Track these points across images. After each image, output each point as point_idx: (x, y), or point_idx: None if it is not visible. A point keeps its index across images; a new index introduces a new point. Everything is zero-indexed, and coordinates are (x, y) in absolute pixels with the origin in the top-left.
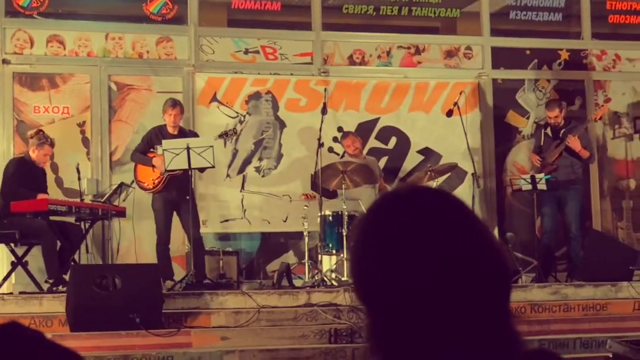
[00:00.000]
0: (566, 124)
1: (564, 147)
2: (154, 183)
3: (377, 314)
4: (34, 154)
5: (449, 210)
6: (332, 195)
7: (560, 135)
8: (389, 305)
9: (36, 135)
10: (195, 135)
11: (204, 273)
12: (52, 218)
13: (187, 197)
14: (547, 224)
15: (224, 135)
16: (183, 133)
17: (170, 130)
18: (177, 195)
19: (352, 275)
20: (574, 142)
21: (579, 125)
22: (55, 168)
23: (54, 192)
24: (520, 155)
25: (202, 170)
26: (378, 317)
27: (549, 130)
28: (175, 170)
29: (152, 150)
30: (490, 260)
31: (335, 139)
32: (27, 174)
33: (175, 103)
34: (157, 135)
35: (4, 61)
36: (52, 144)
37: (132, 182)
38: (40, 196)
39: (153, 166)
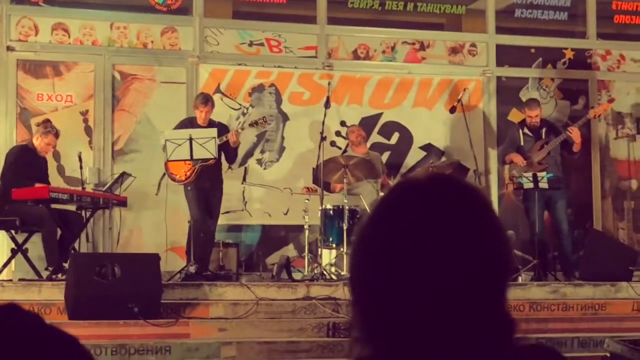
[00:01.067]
0: (543, 123)
1: (559, 141)
2: (185, 174)
3: (372, 304)
4: (37, 142)
5: (462, 203)
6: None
7: (543, 133)
8: (387, 296)
9: (43, 123)
10: (225, 128)
11: (207, 265)
12: (53, 206)
13: (218, 189)
14: (538, 223)
15: (255, 123)
16: (212, 125)
17: (200, 123)
18: (209, 185)
19: (354, 262)
20: (576, 133)
21: (558, 125)
22: (57, 156)
23: (55, 180)
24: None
25: (230, 162)
26: (373, 306)
27: (527, 130)
28: (208, 160)
29: None
30: (495, 258)
31: (337, 133)
32: (28, 162)
33: (207, 100)
34: (187, 126)
35: (9, 48)
36: (57, 135)
37: (164, 174)
38: (38, 185)
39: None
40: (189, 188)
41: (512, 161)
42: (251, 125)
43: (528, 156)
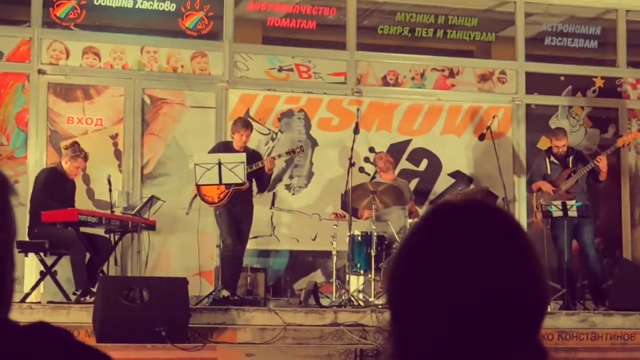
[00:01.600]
0: (569, 151)
1: (586, 170)
2: (219, 197)
3: (404, 322)
4: (66, 165)
5: (499, 231)
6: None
7: (570, 162)
8: (419, 318)
9: (71, 146)
10: (259, 155)
11: (236, 289)
12: (81, 229)
13: (248, 213)
14: (567, 251)
15: (292, 152)
16: (246, 151)
17: (236, 148)
18: (239, 210)
19: (390, 279)
20: (603, 162)
21: (585, 153)
22: (86, 179)
23: (84, 203)
24: None
25: (262, 189)
26: (404, 325)
27: (553, 159)
28: (242, 184)
29: None
30: (530, 290)
31: (366, 159)
32: (57, 185)
33: (247, 124)
34: (223, 150)
35: (40, 71)
36: (85, 158)
37: (195, 195)
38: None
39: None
40: (217, 212)
41: (540, 189)
42: (288, 153)
43: (556, 184)
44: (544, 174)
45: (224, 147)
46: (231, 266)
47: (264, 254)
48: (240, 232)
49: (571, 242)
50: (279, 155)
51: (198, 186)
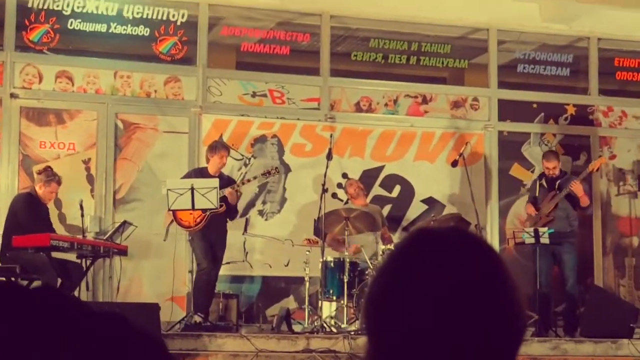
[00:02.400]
0: (561, 175)
1: (563, 195)
2: (195, 221)
3: (380, 347)
4: (40, 190)
5: (477, 259)
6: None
7: (557, 186)
8: (393, 342)
9: (44, 171)
10: (233, 181)
11: (208, 315)
12: (53, 255)
13: (222, 238)
14: (543, 278)
15: (267, 173)
16: (221, 177)
17: (212, 173)
18: (215, 234)
19: (366, 305)
20: (577, 187)
21: (573, 176)
22: (58, 204)
23: (56, 228)
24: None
25: (230, 218)
26: (379, 350)
27: (544, 182)
28: (217, 209)
29: None
30: (506, 317)
31: (339, 185)
32: (33, 210)
33: (226, 146)
34: (197, 176)
35: (12, 95)
36: (59, 182)
37: (172, 222)
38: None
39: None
40: (190, 237)
41: (527, 212)
42: (264, 175)
43: (539, 207)
44: (534, 196)
45: (198, 173)
46: (205, 290)
47: (236, 279)
48: (215, 256)
49: (550, 268)
50: (255, 177)
51: (173, 211)
